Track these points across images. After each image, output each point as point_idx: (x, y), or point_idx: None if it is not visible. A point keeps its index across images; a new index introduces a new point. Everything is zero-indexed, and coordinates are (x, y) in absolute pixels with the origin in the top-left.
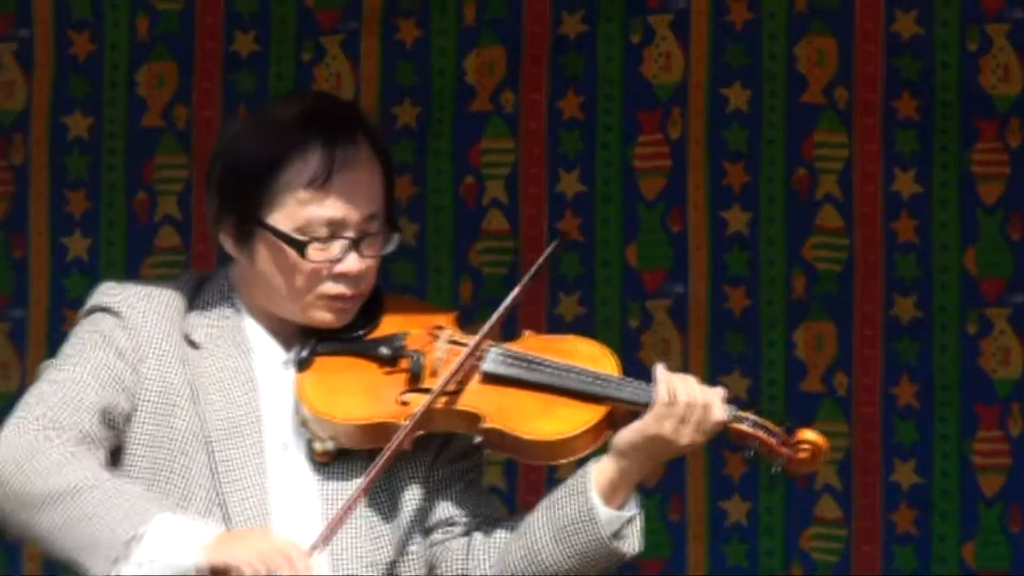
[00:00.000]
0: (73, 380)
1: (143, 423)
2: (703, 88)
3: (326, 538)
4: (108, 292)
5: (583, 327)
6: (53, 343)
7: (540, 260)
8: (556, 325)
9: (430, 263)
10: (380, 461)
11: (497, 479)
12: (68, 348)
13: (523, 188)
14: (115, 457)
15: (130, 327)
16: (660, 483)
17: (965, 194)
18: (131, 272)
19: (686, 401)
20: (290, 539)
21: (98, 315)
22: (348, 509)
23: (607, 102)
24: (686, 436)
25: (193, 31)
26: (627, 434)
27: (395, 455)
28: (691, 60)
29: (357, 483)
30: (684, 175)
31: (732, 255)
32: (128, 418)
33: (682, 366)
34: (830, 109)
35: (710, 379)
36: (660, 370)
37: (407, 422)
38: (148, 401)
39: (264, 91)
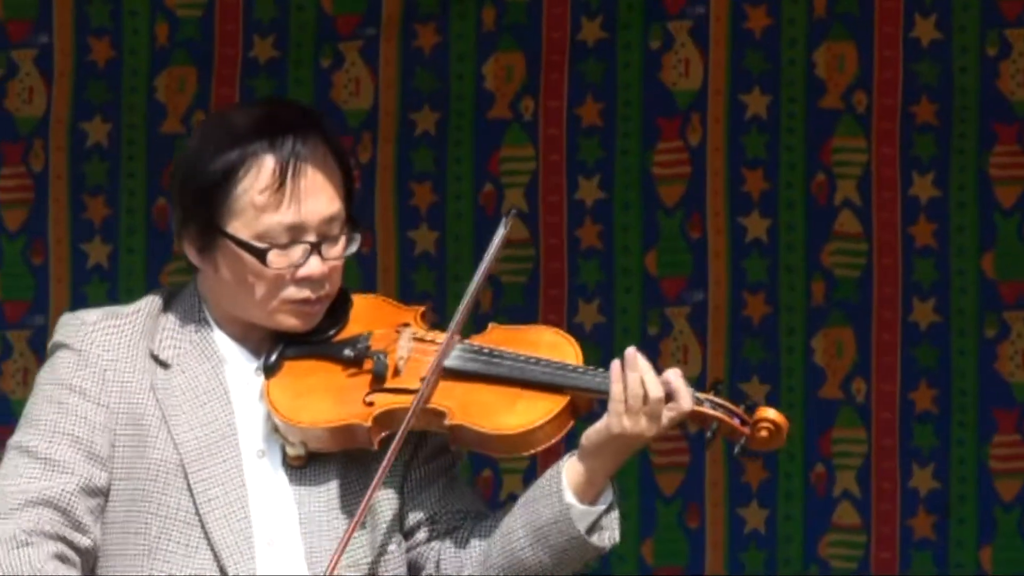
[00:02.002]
0: (58, 460)
1: (121, 456)
2: (722, 94)
3: (337, 559)
4: (68, 326)
5: (603, 335)
6: None
7: (495, 241)
8: (576, 333)
9: (449, 271)
10: (384, 464)
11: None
12: (33, 410)
13: (543, 196)
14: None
15: (91, 363)
16: (678, 490)
17: (983, 198)
18: (151, 279)
19: (642, 394)
20: None
21: (58, 354)
22: (355, 525)
23: (626, 109)
24: (650, 428)
25: (212, 37)
26: (592, 434)
27: (389, 464)
28: (710, 66)
29: (331, 486)
30: (703, 181)
31: (751, 262)
32: (111, 456)
33: (701, 373)
34: (849, 114)
35: (729, 386)
36: (614, 367)
37: (410, 413)
38: (123, 434)
39: (283, 96)
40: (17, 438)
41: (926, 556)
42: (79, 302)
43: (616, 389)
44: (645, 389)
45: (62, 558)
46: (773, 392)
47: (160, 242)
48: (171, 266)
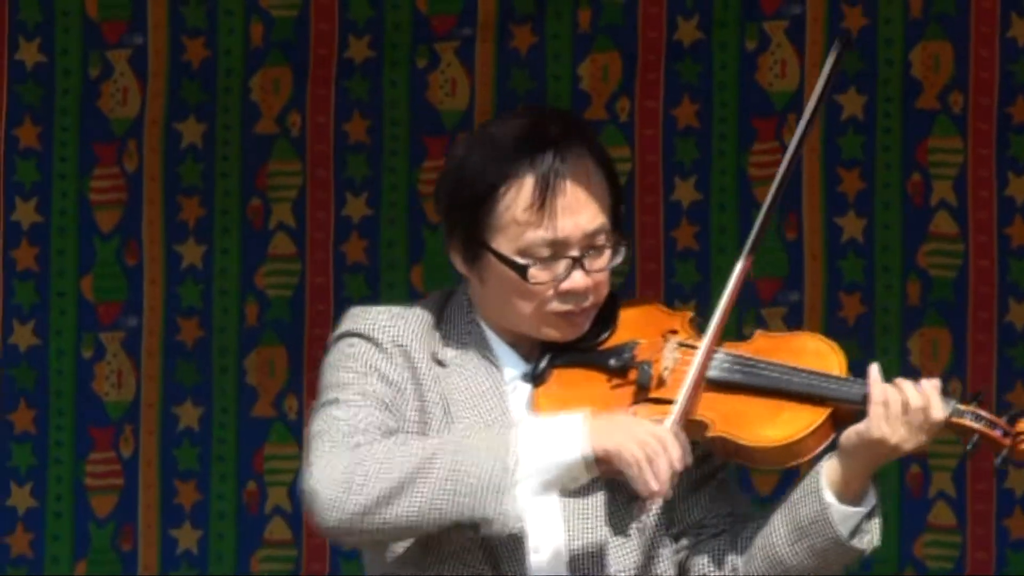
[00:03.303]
0: (354, 413)
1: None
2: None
3: (678, 422)
4: (360, 317)
5: None
6: (168, 351)
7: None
8: None
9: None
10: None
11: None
12: (334, 379)
13: (640, 197)
14: None
15: (384, 350)
16: (775, 491)
17: None
18: (245, 279)
19: (902, 402)
20: (658, 426)
21: (352, 340)
22: (683, 405)
23: (722, 109)
24: (909, 439)
25: (307, 37)
26: (851, 437)
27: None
28: (806, 66)
29: (597, 496)
30: (799, 182)
31: (847, 262)
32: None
33: None
34: (944, 114)
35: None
36: (874, 371)
37: (670, 422)
38: (409, 420)
39: (378, 97)
40: (323, 399)
41: (1022, 556)
42: (173, 303)
43: (877, 392)
44: (905, 397)
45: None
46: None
47: (254, 242)
48: (265, 267)
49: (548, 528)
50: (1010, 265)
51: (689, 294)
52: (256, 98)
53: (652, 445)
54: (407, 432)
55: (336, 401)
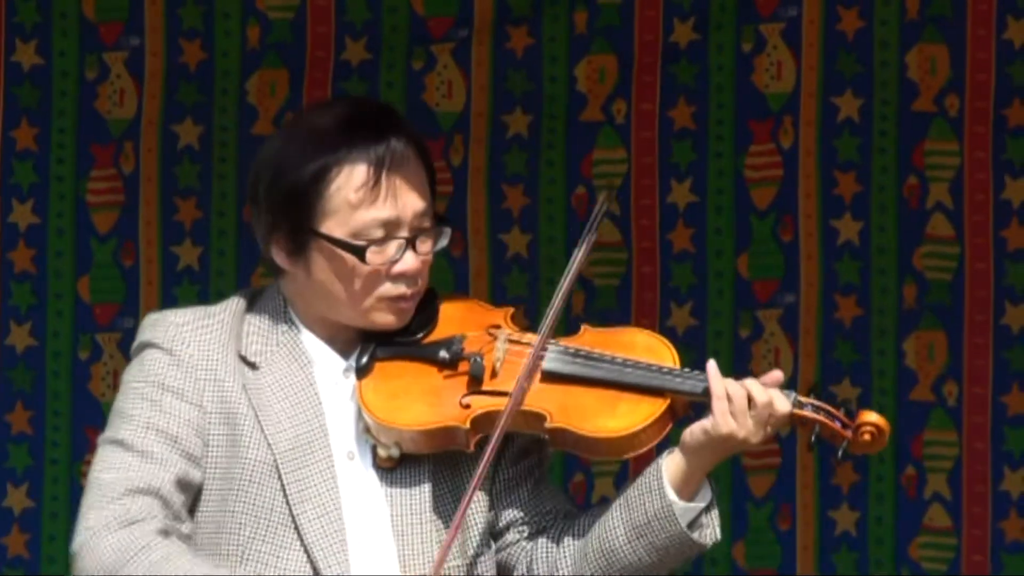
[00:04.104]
0: (151, 453)
1: (215, 456)
2: (815, 97)
3: (439, 565)
4: (156, 327)
5: (694, 338)
6: None
7: (592, 221)
8: (668, 336)
9: (542, 274)
10: (480, 470)
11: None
12: (126, 406)
13: (635, 199)
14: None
15: (183, 363)
16: (770, 492)
17: None
18: (242, 281)
19: (747, 397)
20: None
21: (148, 353)
22: (456, 529)
23: (718, 111)
24: (756, 433)
25: (304, 39)
26: (696, 435)
27: (489, 461)
28: (803, 69)
29: (423, 488)
30: (795, 184)
31: (843, 264)
32: (204, 456)
33: (792, 375)
34: (941, 117)
35: (821, 389)
36: (712, 366)
37: (504, 416)
38: (216, 435)
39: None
40: (110, 433)
41: (1018, 559)
42: (169, 304)
43: (718, 386)
44: (749, 391)
45: (165, 533)
46: (864, 394)
47: (251, 244)
48: (262, 268)
49: (377, 524)
50: (1006, 268)
51: (685, 297)
52: (253, 100)
53: None
54: (213, 443)
55: (120, 443)
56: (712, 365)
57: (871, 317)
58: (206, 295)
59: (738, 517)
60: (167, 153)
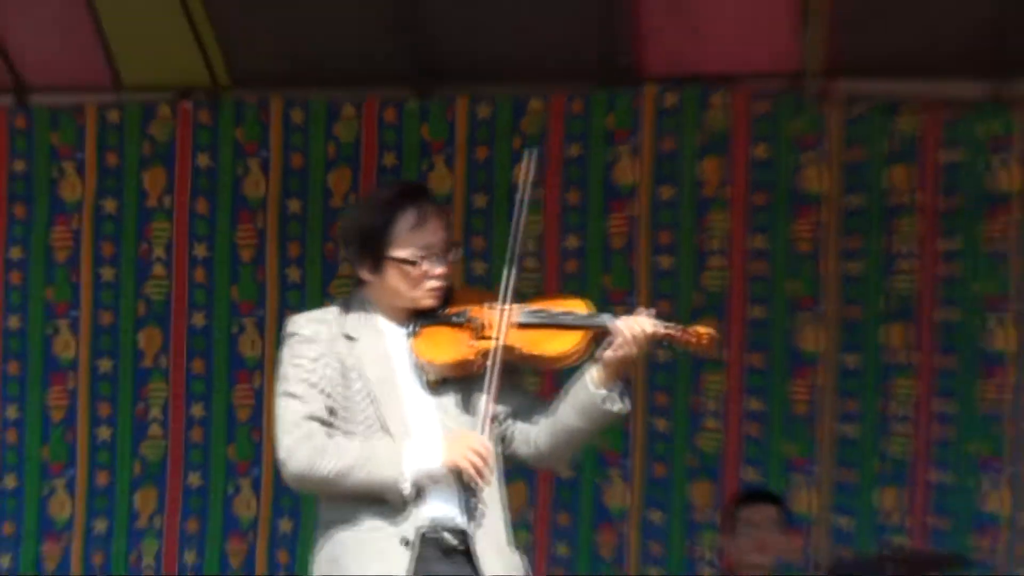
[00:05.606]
0: (310, 390)
1: (338, 393)
2: (648, 188)
3: (483, 429)
4: (296, 323)
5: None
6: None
7: (523, 187)
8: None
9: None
10: (494, 380)
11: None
12: (288, 371)
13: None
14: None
15: (314, 340)
16: None
17: None
18: (324, 288)
19: (639, 328)
20: (475, 436)
21: (295, 339)
22: (487, 412)
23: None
24: (643, 350)
25: (360, 152)
26: (609, 355)
27: (498, 373)
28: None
29: (454, 396)
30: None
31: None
32: (333, 392)
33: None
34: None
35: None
36: (612, 314)
37: (494, 350)
38: (338, 378)
39: (401, 179)
40: (281, 388)
41: None
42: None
43: (621, 324)
44: (640, 324)
45: (328, 436)
46: None
47: (328, 269)
48: (337, 282)
49: (429, 419)
50: None
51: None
52: (331, 186)
53: (474, 458)
54: (341, 390)
55: (290, 394)
56: (611, 314)
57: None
58: (303, 299)
59: None
60: (282, 218)
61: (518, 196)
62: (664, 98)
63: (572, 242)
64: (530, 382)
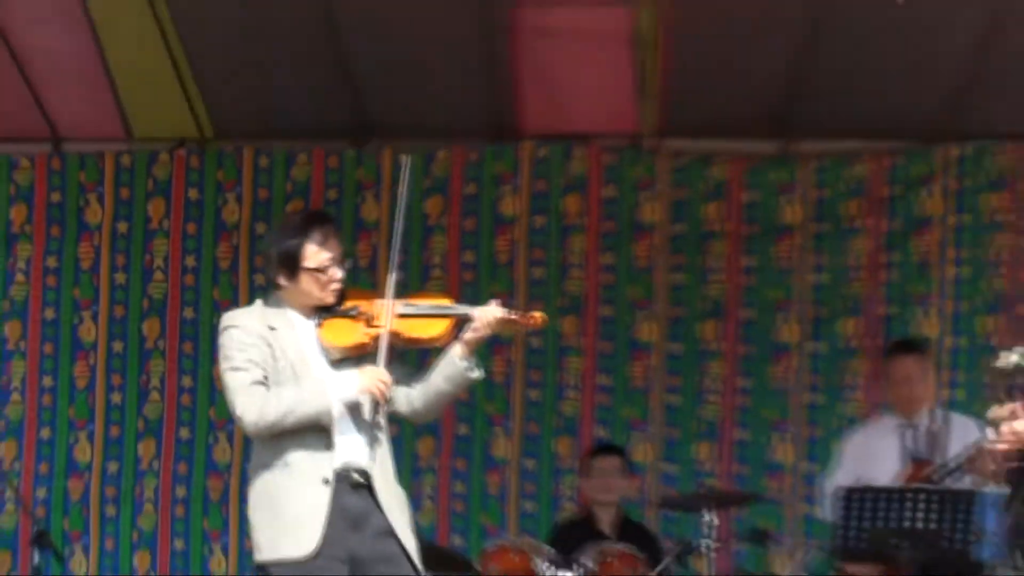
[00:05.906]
0: (251, 364)
1: (269, 367)
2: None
3: (388, 358)
4: (232, 317)
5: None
6: None
7: (402, 188)
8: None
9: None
10: (383, 356)
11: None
12: (231, 353)
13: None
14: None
15: (248, 328)
16: None
17: None
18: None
19: (491, 315)
20: (380, 369)
21: (232, 329)
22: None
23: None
24: (491, 330)
25: (309, 195)
26: (470, 334)
27: (388, 352)
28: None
29: (351, 371)
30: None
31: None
32: (266, 365)
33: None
34: None
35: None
36: (476, 309)
37: (383, 335)
38: (268, 357)
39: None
40: (226, 366)
41: None
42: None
43: (478, 313)
44: (492, 312)
45: (269, 386)
46: None
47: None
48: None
49: (332, 386)
50: None
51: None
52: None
53: (380, 385)
54: (271, 364)
55: (235, 368)
56: (476, 308)
57: None
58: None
59: None
60: (251, 237)
61: (398, 204)
62: (538, 151)
63: (468, 257)
64: (408, 359)
